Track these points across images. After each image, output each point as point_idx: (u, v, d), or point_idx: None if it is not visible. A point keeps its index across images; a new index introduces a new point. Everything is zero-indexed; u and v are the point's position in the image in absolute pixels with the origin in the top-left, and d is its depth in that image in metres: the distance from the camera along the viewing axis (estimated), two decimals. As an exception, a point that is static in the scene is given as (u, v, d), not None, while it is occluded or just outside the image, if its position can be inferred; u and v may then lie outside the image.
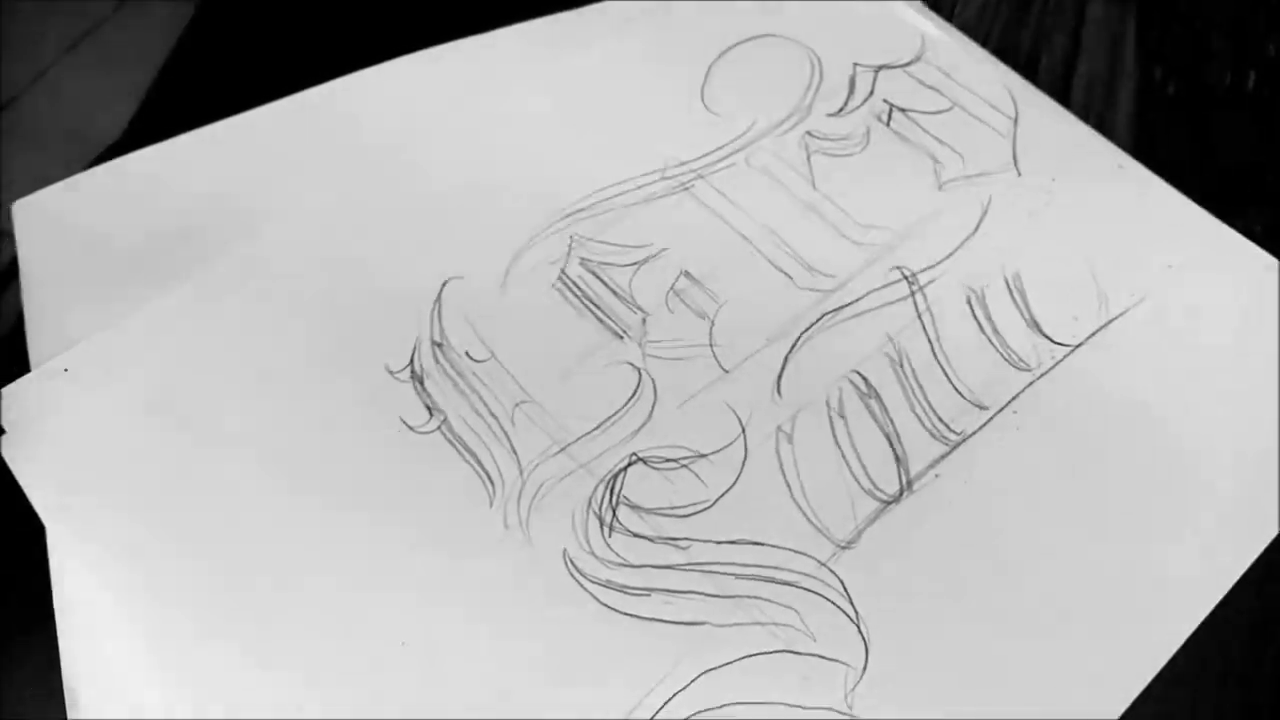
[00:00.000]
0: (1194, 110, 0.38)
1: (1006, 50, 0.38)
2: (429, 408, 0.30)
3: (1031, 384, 0.30)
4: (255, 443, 0.30)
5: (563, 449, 0.30)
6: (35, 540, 0.29)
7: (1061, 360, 0.31)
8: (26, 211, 0.34)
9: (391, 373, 0.31)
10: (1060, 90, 0.37)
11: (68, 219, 0.34)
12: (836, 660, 0.27)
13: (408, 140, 0.35)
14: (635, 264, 0.33)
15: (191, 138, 0.35)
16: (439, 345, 0.31)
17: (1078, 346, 0.31)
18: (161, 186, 0.35)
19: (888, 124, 0.36)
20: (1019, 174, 0.34)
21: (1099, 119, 0.37)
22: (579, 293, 0.32)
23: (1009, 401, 0.30)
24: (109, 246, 0.33)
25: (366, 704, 0.26)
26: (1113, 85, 0.38)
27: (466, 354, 0.31)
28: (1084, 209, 0.34)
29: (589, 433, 0.30)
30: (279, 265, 0.33)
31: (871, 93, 0.37)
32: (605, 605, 0.27)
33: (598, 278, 0.33)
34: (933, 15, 0.38)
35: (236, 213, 0.34)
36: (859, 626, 0.27)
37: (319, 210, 0.34)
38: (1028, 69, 0.38)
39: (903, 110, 0.36)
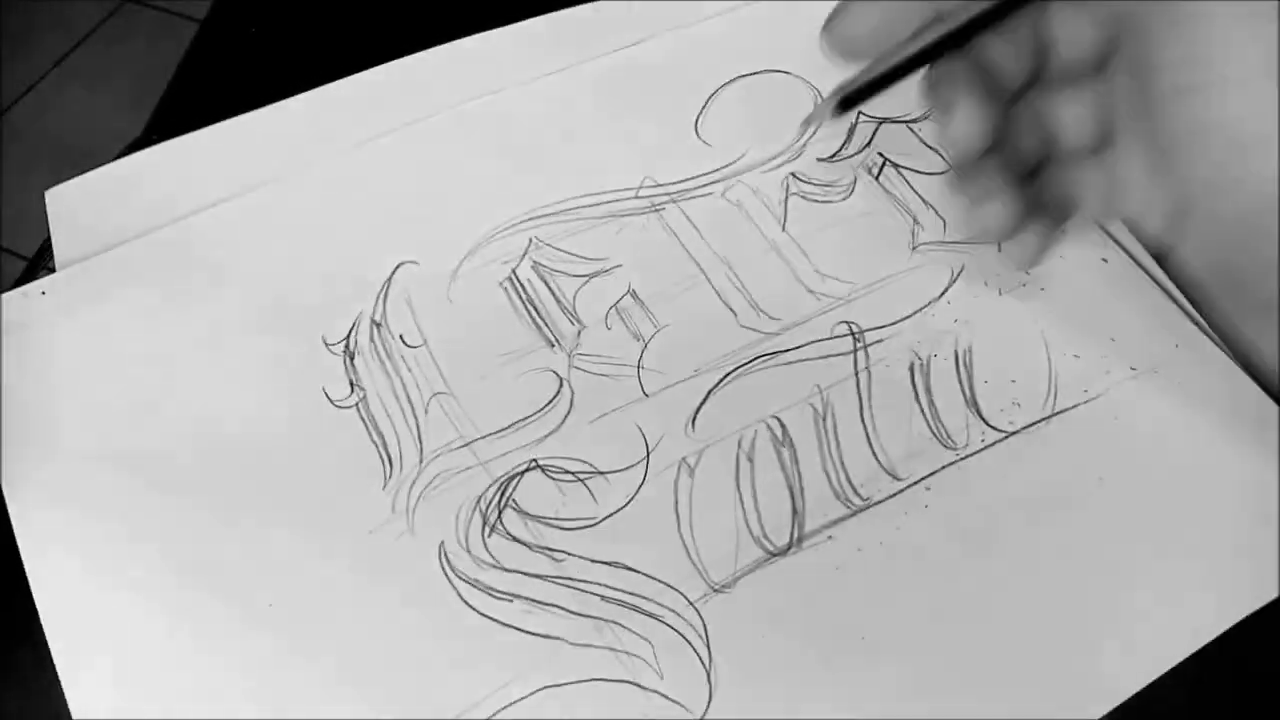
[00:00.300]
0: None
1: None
2: (352, 383, 0.31)
3: (953, 463, 0.29)
4: (186, 395, 0.31)
5: (466, 444, 0.30)
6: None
7: (991, 445, 0.30)
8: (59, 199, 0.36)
9: (327, 344, 0.32)
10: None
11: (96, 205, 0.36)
12: (677, 703, 0.26)
13: (391, 130, 0.36)
14: (586, 276, 0.33)
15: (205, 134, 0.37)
16: (377, 325, 0.32)
17: (1012, 434, 0.30)
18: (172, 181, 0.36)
19: (876, 177, 0.35)
20: (999, 248, 0.33)
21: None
22: (523, 295, 0.33)
23: (925, 476, 0.29)
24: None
25: (226, 658, 0.27)
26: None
27: (401, 337, 0.32)
28: (1057, 297, 0.32)
29: (496, 432, 0.30)
30: (238, 232, 0.34)
31: (869, 144, 0.36)
32: (466, 603, 0.28)
33: (545, 284, 0.33)
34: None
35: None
36: (709, 673, 0.26)
37: (290, 186, 0.35)
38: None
39: (895, 165, 0.35)
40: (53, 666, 0.27)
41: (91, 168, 0.37)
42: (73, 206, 0.35)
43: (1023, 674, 0.26)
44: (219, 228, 0.34)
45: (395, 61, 0.38)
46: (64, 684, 0.27)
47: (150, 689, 0.27)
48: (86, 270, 0.33)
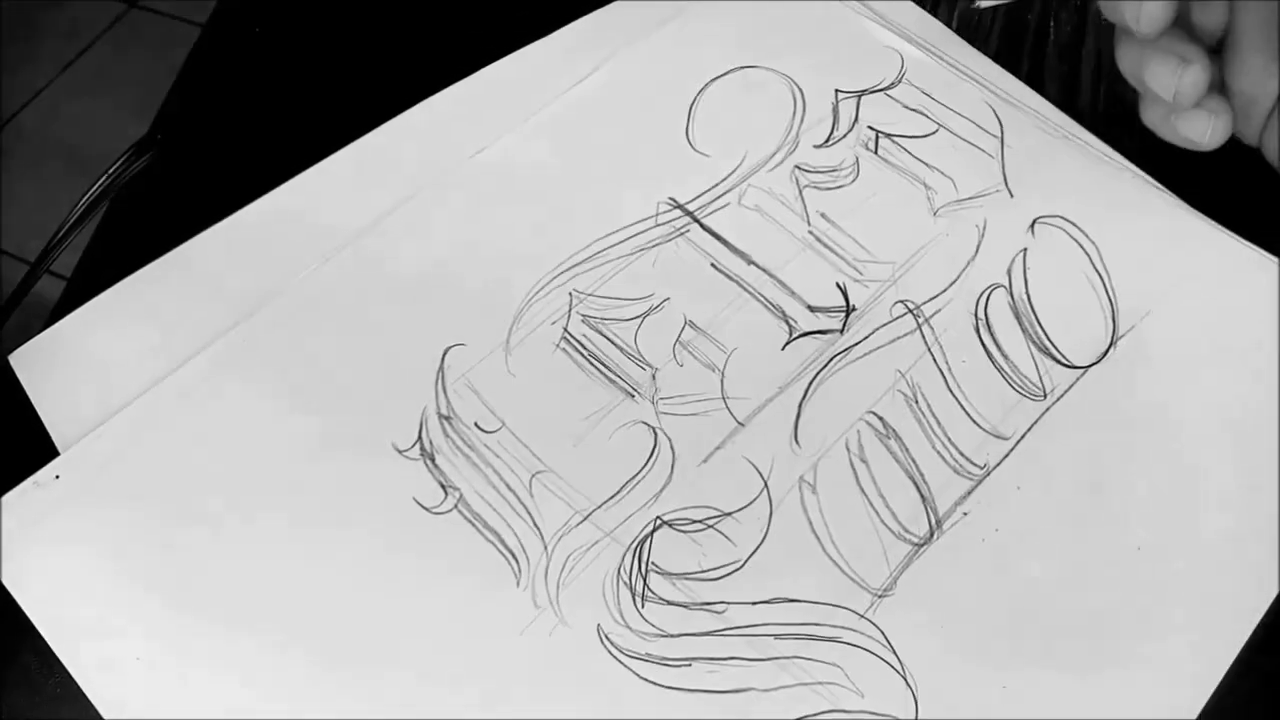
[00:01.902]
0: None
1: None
2: (443, 485, 0.29)
3: (1049, 409, 0.30)
4: (264, 538, 0.29)
5: (585, 518, 0.29)
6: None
7: (1075, 383, 0.31)
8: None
9: (400, 451, 0.30)
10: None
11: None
12: (886, 715, 0.26)
13: (392, 211, 0.34)
14: (638, 317, 0.32)
15: (188, 247, 0.35)
16: (446, 418, 0.31)
17: (1089, 366, 0.31)
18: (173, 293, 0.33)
19: (875, 152, 0.36)
20: (1011, 195, 0.34)
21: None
22: (585, 352, 0.32)
23: (1028, 429, 0.30)
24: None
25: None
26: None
27: (476, 425, 0.30)
28: (1080, 226, 0.34)
29: (611, 499, 0.29)
30: (273, 347, 0.32)
31: (856, 120, 0.36)
32: (647, 680, 0.27)
33: (602, 334, 0.32)
34: (908, 32, 0.38)
35: (234, 300, 0.33)
36: (905, 677, 0.27)
37: (311, 290, 0.33)
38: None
39: (889, 136, 0.36)
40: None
41: (97, 171, 0.36)
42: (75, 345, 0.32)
43: (1179, 585, 0.28)
44: (240, 352, 0.31)
45: (365, 138, 0.36)
46: None
47: None
48: (101, 439, 0.30)
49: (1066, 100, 0.37)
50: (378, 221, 0.34)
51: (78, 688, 0.27)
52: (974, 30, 0.39)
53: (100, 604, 0.28)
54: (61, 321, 0.33)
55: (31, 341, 0.33)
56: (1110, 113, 0.37)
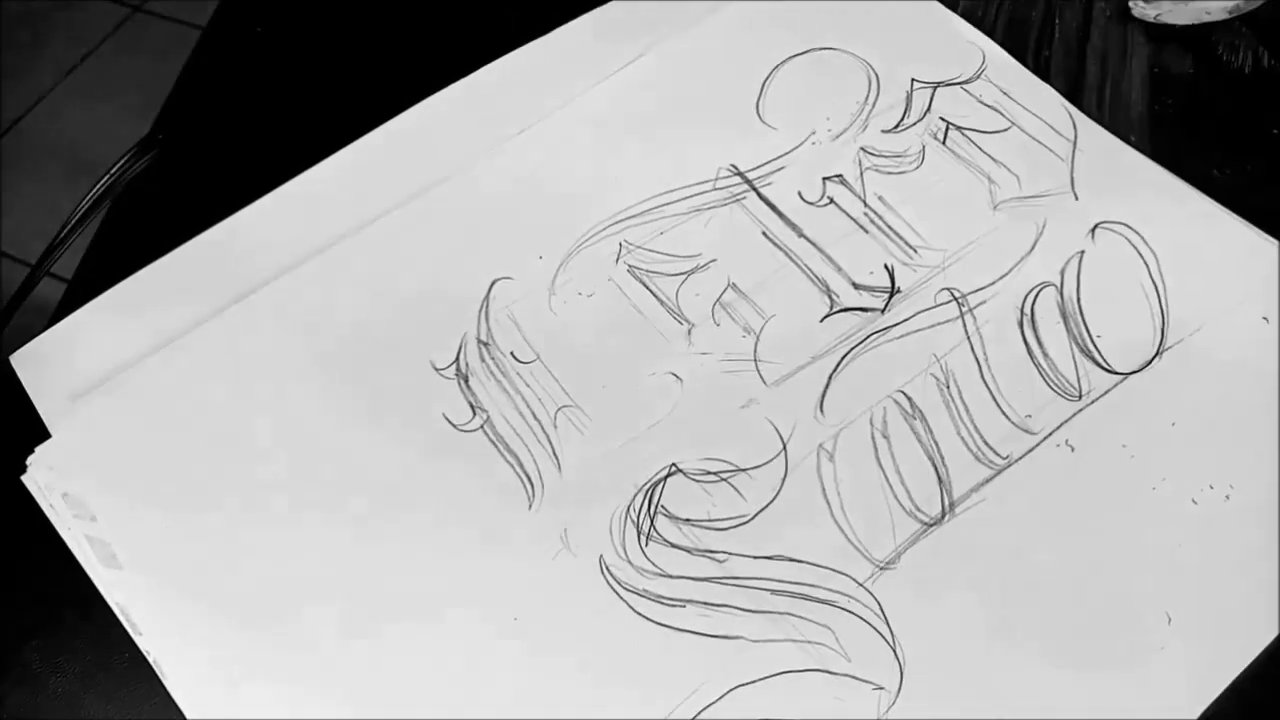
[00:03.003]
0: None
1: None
2: (472, 405, 0.31)
3: (1082, 410, 0.30)
4: (300, 437, 0.30)
5: (604, 455, 0.30)
6: (37, 543, 0.29)
7: (1113, 388, 0.30)
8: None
9: (437, 369, 0.31)
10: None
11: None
12: (870, 682, 0.26)
13: (464, 149, 0.36)
14: (683, 274, 0.33)
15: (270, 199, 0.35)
16: (485, 344, 0.32)
17: (1130, 374, 0.31)
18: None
19: (943, 142, 0.35)
20: (1076, 198, 0.34)
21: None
22: (626, 299, 0.32)
23: (1058, 427, 0.30)
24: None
25: (402, 701, 0.27)
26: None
27: (512, 354, 0.31)
28: (1143, 236, 0.33)
29: (631, 440, 0.30)
30: (332, 265, 0.33)
31: (928, 109, 0.36)
32: (640, 614, 0.27)
33: (645, 286, 0.33)
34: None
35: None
36: (895, 648, 0.27)
37: (375, 216, 0.34)
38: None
39: (959, 128, 0.36)
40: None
41: (99, 175, 0.37)
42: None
43: (1187, 599, 0.27)
44: (305, 280, 0.33)
45: (446, 90, 0.37)
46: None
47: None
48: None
49: (1073, 95, 0.36)
50: (447, 161, 0.35)
51: (79, 687, 0.28)
52: (978, 23, 0.38)
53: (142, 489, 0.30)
54: (60, 323, 0.33)
55: (31, 343, 0.33)
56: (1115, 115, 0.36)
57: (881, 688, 0.26)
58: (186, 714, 0.27)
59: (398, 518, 0.29)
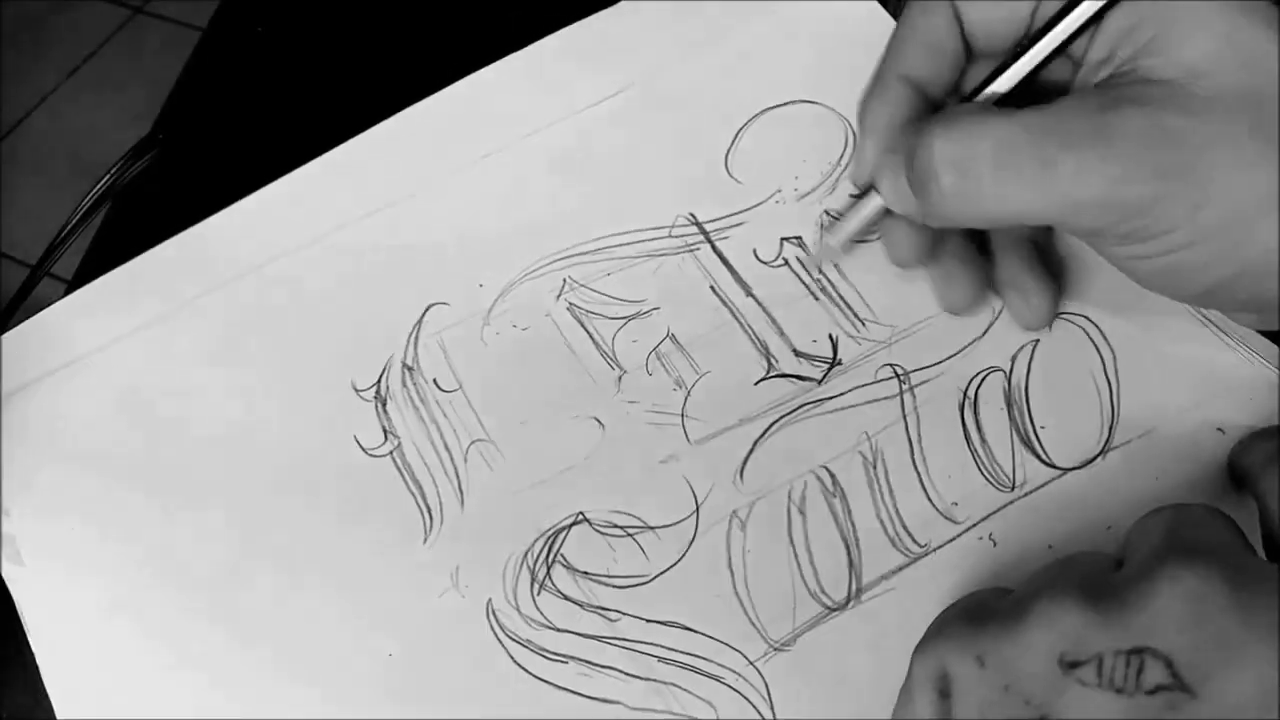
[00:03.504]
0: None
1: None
2: (385, 430, 0.30)
3: (1012, 502, 0.29)
4: (213, 444, 0.30)
5: (511, 495, 0.29)
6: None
7: (1049, 482, 0.29)
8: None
9: (357, 390, 0.31)
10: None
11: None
12: (743, 746, 0.25)
13: (426, 170, 0.35)
14: (623, 318, 0.32)
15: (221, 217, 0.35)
16: (409, 369, 0.31)
17: (1069, 470, 0.29)
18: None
19: (911, 214, 0.34)
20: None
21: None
22: (561, 336, 0.32)
23: (984, 518, 0.29)
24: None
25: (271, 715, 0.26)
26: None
27: (435, 381, 0.31)
28: (1101, 330, 0.32)
29: (540, 482, 0.29)
30: (277, 278, 0.33)
31: (901, 179, 0.35)
32: (519, 665, 0.27)
33: (582, 326, 0.32)
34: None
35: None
36: (758, 711, 0.26)
37: (329, 231, 0.34)
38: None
39: (930, 202, 0.35)
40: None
41: (99, 178, 0.37)
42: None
43: None
44: (249, 291, 0.33)
45: (412, 108, 0.37)
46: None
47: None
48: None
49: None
50: (395, 188, 0.35)
51: None
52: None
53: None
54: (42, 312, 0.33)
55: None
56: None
57: (751, 763, 0.25)
58: (58, 713, 0.26)
59: (291, 536, 0.28)
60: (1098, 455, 0.29)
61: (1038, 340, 0.32)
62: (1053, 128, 0.25)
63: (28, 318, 0.33)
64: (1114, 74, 0.26)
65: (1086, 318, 0.32)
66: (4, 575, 0.28)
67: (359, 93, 0.38)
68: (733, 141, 0.36)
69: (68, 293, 0.34)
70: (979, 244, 0.31)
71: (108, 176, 0.37)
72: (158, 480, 0.29)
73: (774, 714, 0.26)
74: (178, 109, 0.40)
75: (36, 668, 0.28)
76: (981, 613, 0.22)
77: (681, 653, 0.27)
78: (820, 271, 0.33)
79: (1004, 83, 0.28)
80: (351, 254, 0.34)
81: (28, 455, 0.30)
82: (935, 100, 0.29)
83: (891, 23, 0.38)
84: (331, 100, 0.39)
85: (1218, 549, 0.20)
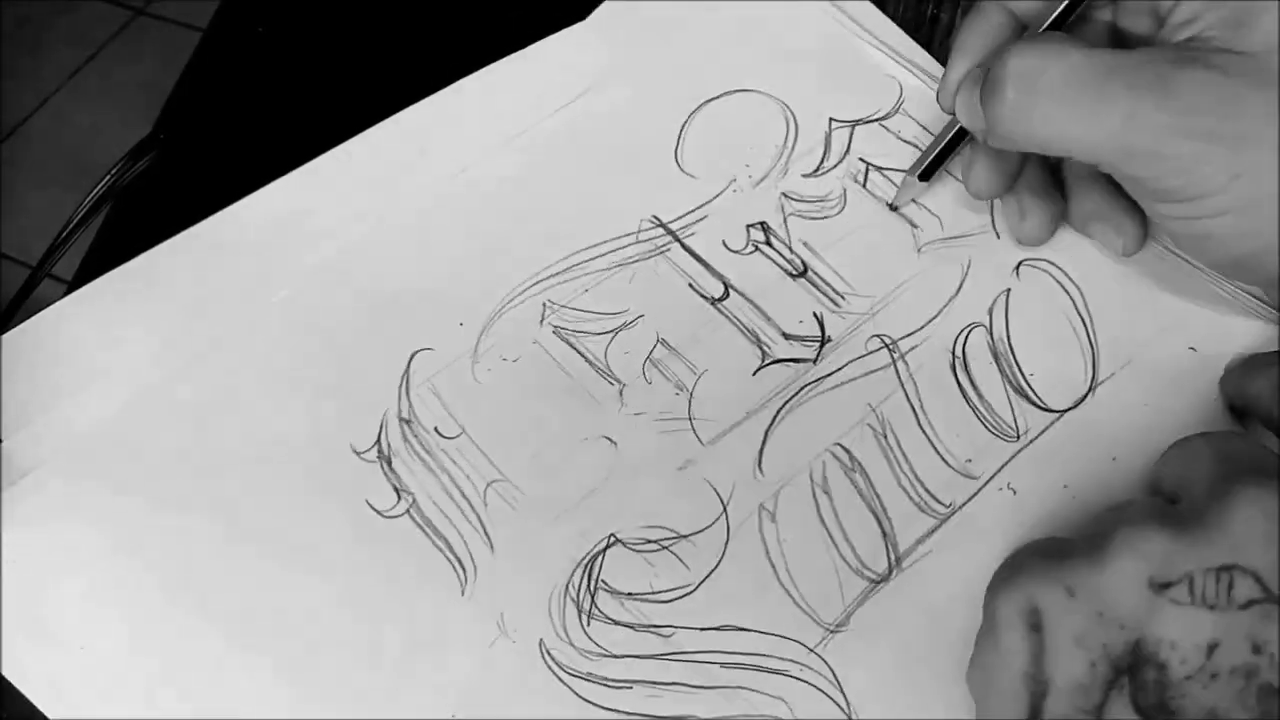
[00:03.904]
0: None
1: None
2: (396, 489, 0.29)
3: (1021, 450, 0.30)
4: (217, 533, 0.28)
5: (538, 530, 0.28)
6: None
7: (1050, 426, 0.30)
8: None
9: (357, 453, 0.30)
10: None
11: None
12: (823, 746, 0.25)
13: (368, 211, 0.34)
14: (610, 332, 0.32)
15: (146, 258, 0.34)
16: (407, 422, 0.30)
17: (1066, 411, 0.30)
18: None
19: (864, 185, 0.35)
20: (998, 235, 0.34)
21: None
22: (553, 361, 0.31)
23: (998, 470, 0.29)
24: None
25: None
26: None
27: (436, 430, 0.30)
28: (1065, 271, 0.33)
29: (565, 512, 0.29)
30: (239, 343, 0.31)
31: (848, 150, 0.36)
32: (586, 700, 0.26)
33: (572, 347, 0.32)
34: (912, 62, 0.37)
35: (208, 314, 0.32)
36: (849, 715, 0.26)
37: (280, 290, 0.32)
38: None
39: (879, 169, 0.36)
40: None
41: (100, 179, 0.37)
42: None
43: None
44: (217, 369, 0.31)
45: (340, 146, 0.36)
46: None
47: None
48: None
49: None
50: (349, 228, 0.34)
51: None
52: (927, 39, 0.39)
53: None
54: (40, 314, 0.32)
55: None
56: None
57: (832, 752, 0.25)
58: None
59: (323, 618, 0.27)
60: (1087, 393, 0.31)
61: (1009, 289, 0.33)
62: (1120, 68, 0.26)
63: (28, 318, 0.33)
64: (1195, 37, 0.27)
65: (1049, 260, 0.33)
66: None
67: (358, 93, 0.38)
68: (679, 137, 0.36)
69: (68, 292, 0.34)
70: (1055, 181, 0.33)
71: (108, 177, 0.37)
72: (168, 601, 0.28)
73: (844, 695, 0.26)
74: (178, 109, 0.40)
75: None
76: (1058, 549, 0.23)
77: (742, 654, 0.27)
78: (895, 208, 0.34)
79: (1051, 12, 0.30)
80: (315, 311, 0.32)
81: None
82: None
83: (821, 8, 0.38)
84: (331, 101, 0.39)
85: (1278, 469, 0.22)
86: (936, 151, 0.33)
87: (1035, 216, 0.32)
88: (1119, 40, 0.31)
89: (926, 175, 0.33)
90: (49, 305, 0.33)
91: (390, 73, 0.39)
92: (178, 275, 0.33)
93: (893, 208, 0.34)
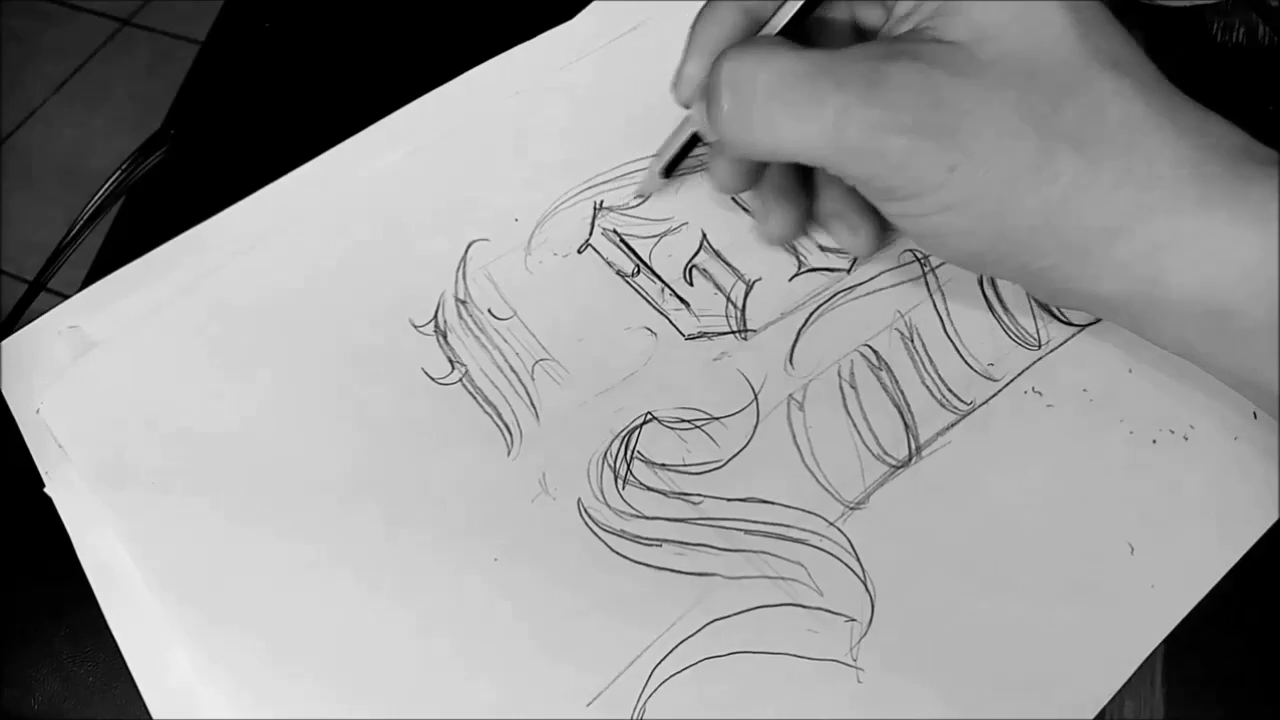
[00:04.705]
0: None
1: None
2: (451, 360, 0.31)
3: (1042, 358, 0.31)
4: (282, 393, 0.31)
5: (581, 404, 0.30)
6: (62, 529, 0.30)
7: (1071, 338, 0.32)
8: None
9: (416, 326, 0.32)
10: None
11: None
12: (842, 614, 0.27)
13: (436, 120, 0.37)
14: (657, 236, 0.34)
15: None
16: (463, 302, 0.32)
17: (1086, 326, 0.32)
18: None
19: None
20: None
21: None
22: (601, 259, 0.33)
23: (1019, 374, 0.31)
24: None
25: (387, 648, 0.27)
26: None
27: (489, 311, 0.32)
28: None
29: (606, 390, 0.31)
30: (310, 224, 0.34)
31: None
32: (618, 553, 0.28)
33: (619, 247, 0.34)
34: None
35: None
36: (865, 582, 0.28)
37: (349, 179, 0.35)
38: None
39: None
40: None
41: (93, 188, 0.36)
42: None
43: (1145, 544, 0.28)
44: (282, 249, 0.34)
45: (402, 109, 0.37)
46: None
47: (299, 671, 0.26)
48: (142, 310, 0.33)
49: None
50: (419, 139, 0.36)
51: (108, 675, 0.28)
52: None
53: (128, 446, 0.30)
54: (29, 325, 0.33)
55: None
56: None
57: (854, 619, 0.27)
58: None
59: (382, 469, 0.29)
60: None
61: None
62: (831, 68, 0.25)
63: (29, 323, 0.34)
64: (912, 30, 0.26)
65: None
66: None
67: (367, 87, 0.39)
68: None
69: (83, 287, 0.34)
70: (802, 180, 0.32)
71: (118, 173, 0.37)
72: (236, 448, 0.30)
73: (861, 564, 0.28)
74: (187, 106, 0.40)
75: (65, 657, 0.29)
76: None
77: (765, 523, 0.29)
78: (641, 198, 0.35)
79: (784, 14, 0.28)
80: (383, 201, 0.35)
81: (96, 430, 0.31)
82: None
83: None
84: (338, 96, 0.39)
85: None
86: (677, 149, 0.32)
87: (777, 217, 0.32)
88: (860, 39, 0.29)
89: (668, 172, 0.33)
90: (46, 305, 0.34)
91: (398, 63, 0.40)
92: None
93: (641, 197, 0.34)
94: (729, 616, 0.27)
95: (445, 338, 0.32)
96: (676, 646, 0.27)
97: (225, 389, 0.31)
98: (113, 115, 1.26)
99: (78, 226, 0.37)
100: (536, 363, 0.31)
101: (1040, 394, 0.30)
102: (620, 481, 0.29)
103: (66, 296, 0.34)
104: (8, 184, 1.22)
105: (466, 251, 0.33)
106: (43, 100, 1.31)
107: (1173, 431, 0.30)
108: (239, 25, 0.43)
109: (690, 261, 0.33)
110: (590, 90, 0.37)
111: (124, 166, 0.37)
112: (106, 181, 0.37)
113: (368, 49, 0.41)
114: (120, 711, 0.28)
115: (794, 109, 0.25)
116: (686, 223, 0.34)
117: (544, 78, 0.38)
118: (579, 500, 0.29)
